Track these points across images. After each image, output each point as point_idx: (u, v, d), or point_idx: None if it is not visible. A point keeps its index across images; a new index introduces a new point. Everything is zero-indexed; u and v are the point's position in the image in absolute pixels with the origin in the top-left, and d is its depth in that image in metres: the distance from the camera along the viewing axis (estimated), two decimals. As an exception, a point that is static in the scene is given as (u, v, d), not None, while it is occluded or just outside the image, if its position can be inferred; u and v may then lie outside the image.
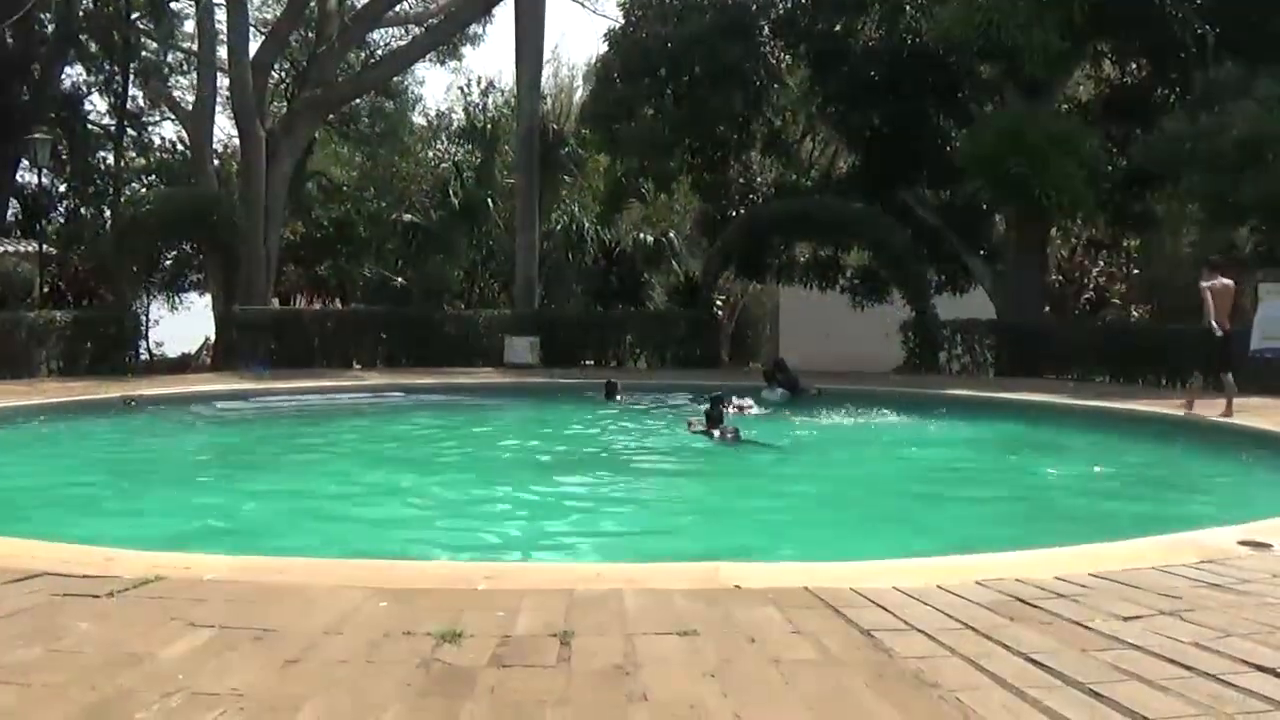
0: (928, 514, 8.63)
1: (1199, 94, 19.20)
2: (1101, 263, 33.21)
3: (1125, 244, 31.66)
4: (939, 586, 4.43)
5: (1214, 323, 13.71)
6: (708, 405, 12.97)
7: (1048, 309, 25.45)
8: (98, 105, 36.07)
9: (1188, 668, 3.39)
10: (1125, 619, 3.97)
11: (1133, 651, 3.57)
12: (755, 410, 15.19)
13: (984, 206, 24.84)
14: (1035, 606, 4.15)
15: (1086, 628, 3.85)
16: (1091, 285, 32.88)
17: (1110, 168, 21.79)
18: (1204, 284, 14.26)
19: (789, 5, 25.70)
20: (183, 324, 34.46)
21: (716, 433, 12.39)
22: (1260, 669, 3.39)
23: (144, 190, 34.75)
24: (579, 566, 5.51)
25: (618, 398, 16.96)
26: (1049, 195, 19.38)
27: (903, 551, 6.00)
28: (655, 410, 16.48)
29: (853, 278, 26.33)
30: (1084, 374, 20.15)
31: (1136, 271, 34.16)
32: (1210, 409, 13.17)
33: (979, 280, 24.43)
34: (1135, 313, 32.92)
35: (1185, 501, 9.08)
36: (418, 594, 4.28)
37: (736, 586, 4.43)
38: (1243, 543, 5.45)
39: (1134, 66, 24.49)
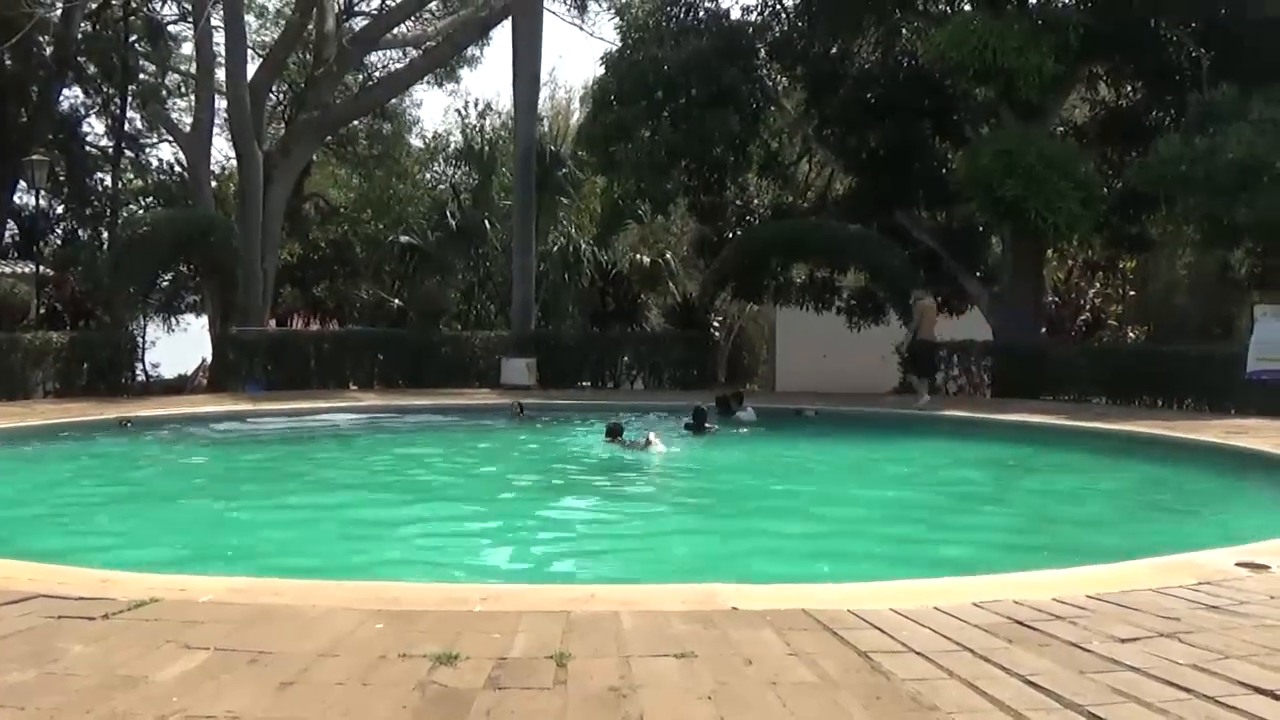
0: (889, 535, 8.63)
1: (1194, 117, 19.26)
2: (1098, 284, 33.27)
3: (1122, 265, 31.73)
4: (936, 608, 4.42)
5: (927, 336, 18.32)
6: (614, 421, 14.04)
7: (1044, 330, 25.48)
8: (96, 127, 36.29)
9: (1186, 690, 3.39)
10: (1123, 641, 3.96)
11: (1131, 673, 3.56)
12: (716, 429, 15.57)
13: (980, 228, 24.91)
14: (1033, 628, 4.14)
15: (1084, 649, 3.85)
16: (1088, 306, 32.92)
17: (1106, 190, 21.85)
18: (924, 302, 18.72)
19: (785, 28, 25.82)
20: (179, 345, 34.51)
21: (629, 444, 13.37)
22: (1259, 691, 3.38)
23: (141, 212, 34.87)
24: (575, 588, 5.49)
25: (520, 412, 17.97)
26: (1044, 217, 19.42)
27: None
28: (565, 426, 17.07)
29: (849, 299, 26.34)
30: (1081, 395, 20.14)
31: (1133, 293, 34.24)
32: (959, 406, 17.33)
33: (976, 301, 24.45)
34: (1132, 334, 32.98)
35: (1183, 522, 9.07)
36: (414, 616, 4.27)
37: (734, 608, 4.42)
38: (1240, 564, 5.45)
39: (1129, 89, 24.60)
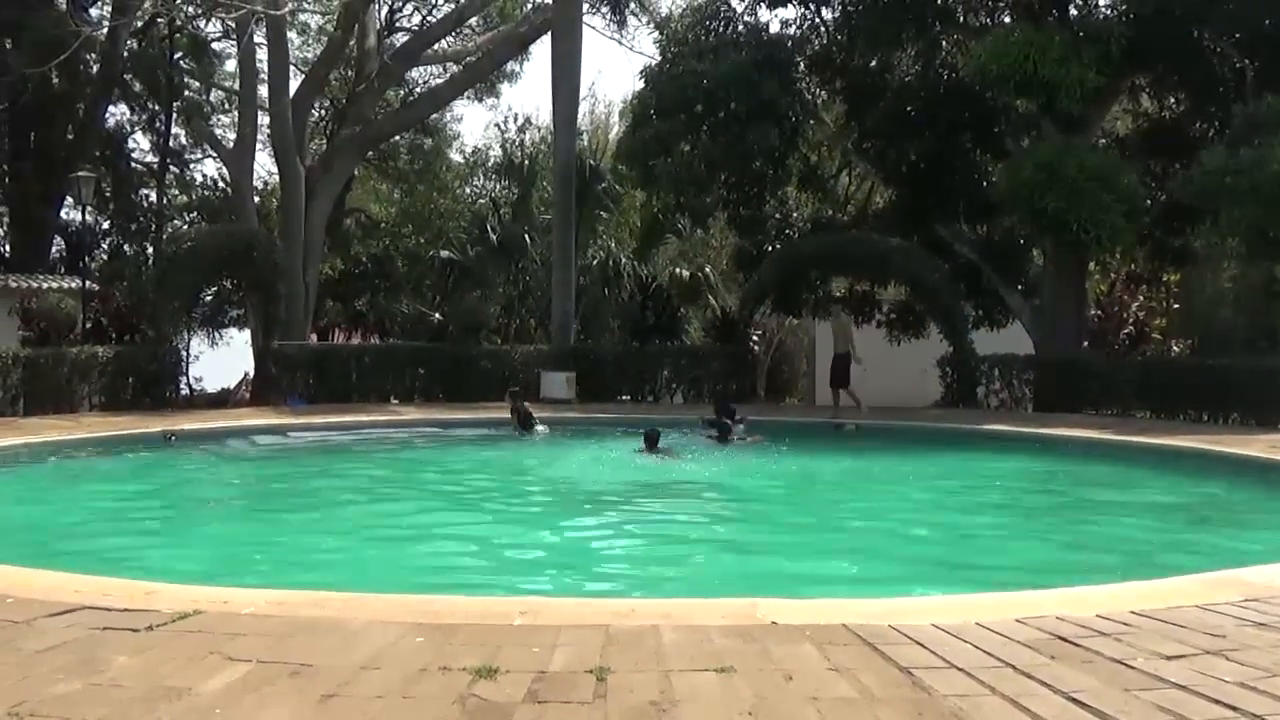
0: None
1: (1239, 128, 19.05)
2: (1141, 297, 32.93)
3: (1165, 279, 31.39)
4: (978, 624, 4.39)
5: (841, 351, 19.96)
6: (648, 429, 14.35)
7: (1086, 344, 25.24)
8: (141, 143, 36.66)
9: (1232, 708, 3.34)
10: (1168, 658, 3.91)
11: (1176, 691, 3.52)
12: (749, 439, 15.81)
13: (1022, 241, 24.74)
14: (1076, 645, 4.10)
15: (1129, 666, 3.81)
16: (1131, 320, 32.57)
17: (1149, 202, 21.65)
18: (838, 320, 20.87)
19: (824, 41, 25.76)
20: (222, 359, 34.81)
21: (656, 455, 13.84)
22: (1308, 710, 3.33)
23: (185, 227, 35.24)
24: (615, 602, 5.48)
25: (538, 428, 17.50)
26: (1086, 230, 19.27)
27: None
28: (567, 436, 17.33)
29: (889, 312, 26.22)
30: (1124, 410, 19.94)
31: (1176, 306, 33.87)
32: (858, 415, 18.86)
33: (1017, 315, 24.26)
34: (1175, 348, 32.60)
35: (1229, 538, 8.95)
36: (454, 629, 4.28)
37: (774, 623, 4.41)
38: (1288, 581, 5.38)
39: (1172, 101, 24.37)
